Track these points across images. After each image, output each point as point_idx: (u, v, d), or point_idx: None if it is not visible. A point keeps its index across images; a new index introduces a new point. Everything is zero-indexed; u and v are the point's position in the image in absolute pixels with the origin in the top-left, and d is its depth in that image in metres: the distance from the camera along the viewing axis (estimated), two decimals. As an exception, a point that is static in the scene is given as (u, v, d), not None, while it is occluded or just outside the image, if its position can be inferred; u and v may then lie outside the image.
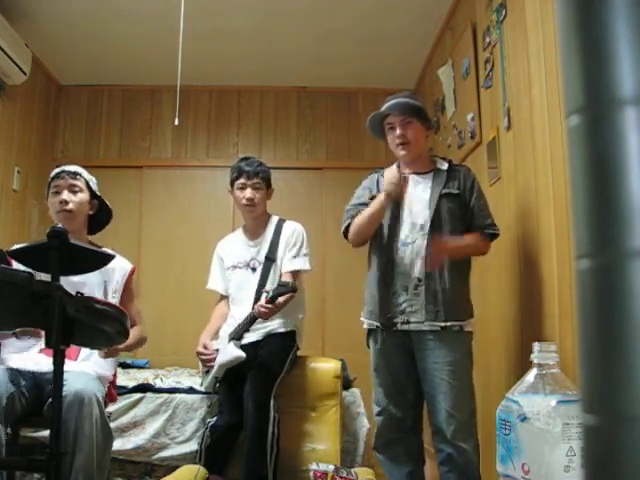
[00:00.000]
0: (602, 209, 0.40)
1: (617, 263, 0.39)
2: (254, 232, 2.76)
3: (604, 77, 0.40)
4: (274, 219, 2.79)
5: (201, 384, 2.80)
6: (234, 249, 2.79)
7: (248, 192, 2.66)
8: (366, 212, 2.21)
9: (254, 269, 2.69)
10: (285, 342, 2.61)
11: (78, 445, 1.81)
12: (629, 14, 0.40)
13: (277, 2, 3.43)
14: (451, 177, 2.23)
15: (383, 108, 2.26)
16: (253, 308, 2.53)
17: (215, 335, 2.71)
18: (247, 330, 2.55)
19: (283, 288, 2.42)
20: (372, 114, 2.29)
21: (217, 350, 2.60)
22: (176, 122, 3.00)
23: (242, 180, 2.68)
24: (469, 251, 2.23)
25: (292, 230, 2.71)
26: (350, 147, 4.54)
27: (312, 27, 3.69)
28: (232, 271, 2.75)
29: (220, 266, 2.81)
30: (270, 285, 2.60)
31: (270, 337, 2.60)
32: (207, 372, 2.65)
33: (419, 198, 2.21)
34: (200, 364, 2.72)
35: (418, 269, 2.14)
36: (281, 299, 2.44)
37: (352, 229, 2.26)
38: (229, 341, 2.55)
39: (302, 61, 4.17)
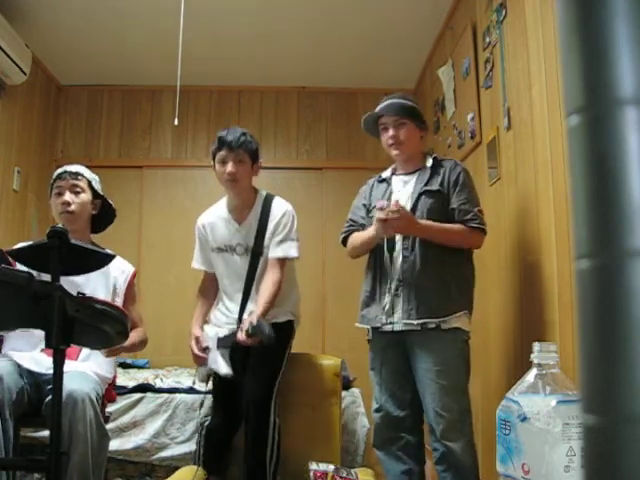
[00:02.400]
0: (602, 209, 0.40)
1: (617, 263, 0.39)
2: (240, 212, 2.50)
3: (604, 77, 0.40)
4: (261, 196, 2.51)
5: (195, 377, 2.57)
6: (218, 230, 2.52)
7: (230, 166, 2.37)
8: (360, 239, 2.30)
9: (240, 254, 2.46)
10: (282, 334, 2.41)
11: (72, 445, 1.80)
12: (629, 14, 0.40)
13: (277, 2, 3.43)
14: (434, 173, 2.22)
15: (377, 109, 2.28)
16: (240, 321, 2.36)
17: (205, 321, 2.52)
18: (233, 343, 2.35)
19: (262, 335, 2.21)
20: (366, 115, 2.31)
21: (207, 347, 2.38)
22: (176, 122, 3.00)
23: (223, 152, 2.39)
24: (449, 237, 2.14)
25: (282, 213, 2.44)
26: (350, 147, 4.54)
27: (312, 27, 3.69)
28: (217, 254, 2.50)
29: (203, 246, 2.56)
30: (259, 277, 2.41)
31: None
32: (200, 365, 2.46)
33: (404, 199, 2.22)
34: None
35: (398, 270, 2.16)
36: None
37: (348, 246, 2.38)
38: (218, 346, 2.35)
39: (302, 61, 4.17)
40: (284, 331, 2.44)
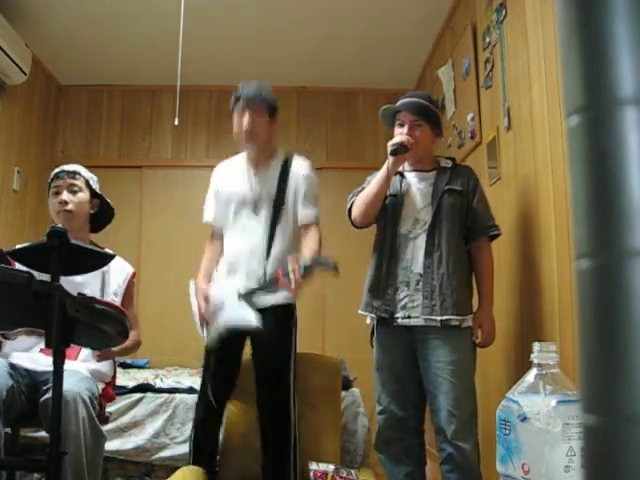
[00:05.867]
0: (602, 209, 0.40)
1: (617, 263, 0.39)
2: (259, 161, 2.40)
3: (604, 77, 0.40)
4: (281, 153, 2.45)
5: (205, 338, 2.33)
6: (233, 179, 2.42)
7: (247, 120, 2.29)
8: (373, 180, 2.21)
9: (254, 209, 2.35)
10: (285, 316, 2.31)
11: (65, 445, 1.79)
12: (629, 14, 0.40)
13: (277, 3, 3.43)
14: (454, 175, 2.24)
15: (398, 103, 2.25)
16: (273, 268, 2.20)
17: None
18: (261, 292, 2.20)
19: (322, 265, 2.09)
20: (385, 107, 2.28)
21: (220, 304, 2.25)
22: (176, 122, 2.99)
23: (240, 104, 2.31)
24: (492, 276, 2.25)
25: (305, 173, 2.38)
26: (350, 147, 4.54)
27: (312, 27, 3.69)
28: (227, 203, 2.40)
29: (216, 197, 2.46)
30: (281, 239, 2.31)
31: (272, 312, 2.23)
32: (207, 324, 2.29)
33: (422, 194, 2.22)
34: (195, 312, 2.32)
35: (419, 264, 2.15)
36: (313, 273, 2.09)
37: (357, 203, 2.25)
38: (239, 298, 2.20)
39: (302, 61, 4.17)
40: (287, 312, 2.31)
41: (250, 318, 2.14)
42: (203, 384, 2.37)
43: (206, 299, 2.27)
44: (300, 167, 2.40)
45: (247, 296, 2.20)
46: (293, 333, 2.33)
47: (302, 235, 2.35)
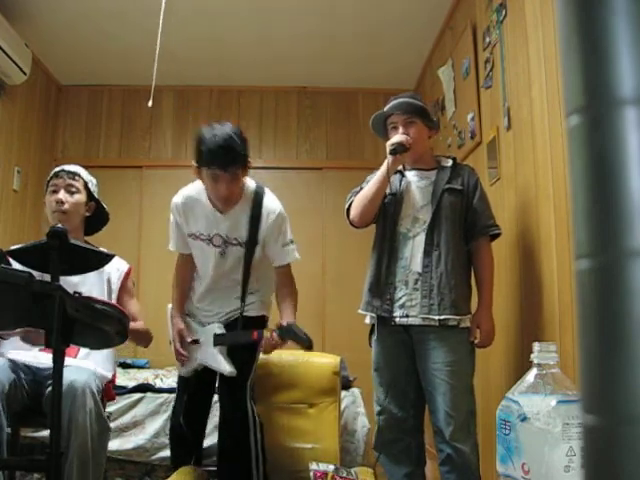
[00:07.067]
0: (602, 209, 0.40)
1: (617, 263, 0.39)
2: (225, 205, 2.25)
3: (604, 77, 0.40)
4: (249, 189, 2.27)
5: (180, 370, 2.49)
6: (196, 215, 2.31)
7: (224, 188, 2.13)
8: (372, 180, 2.21)
9: (217, 245, 2.27)
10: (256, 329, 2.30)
11: (72, 436, 1.81)
12: (629, 14, 0.40)
13: (278, 3, 3.43)
14: (455, 174, 2.24)
15: (386, 108, 2.26)
16: (249, 307, 2.29)
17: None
18: (238, 343, 2.26)
19: (299, 337, 2.09)
20: (375, 114, 2.29)
21: (196, 341, 2.33)
22: (150, 104, 2.82)
23: (216, 171, 2.10)
24: (491, 276, 2.23)
25: (275, 216, 2.25)
26: (350, 147, 4.54)
27: (312, 27, 3.69)
28: (193, 240, 2.32)
29: (179, 227, 2.38)
30: (256, 278, 2.31)
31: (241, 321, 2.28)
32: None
33: (422, 192, 2.22)
34: (172, 349, 2.42)
35: (418, 263, 2.14)
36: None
37: (355, 203, 2.24)
38: (215, 344, 2.26)
39: (302, 61, 4.17)
40: (257, 326, 2.31)
41: (225, 367, 2.22)
42: (177, 408, 2.47)
43: (181, 336, 2.35)
44: (270, 208, 2.27)
45: (220, 339, 2.27)
46: (257, 350, 2.32)
47: (278, 278, 2.33)
